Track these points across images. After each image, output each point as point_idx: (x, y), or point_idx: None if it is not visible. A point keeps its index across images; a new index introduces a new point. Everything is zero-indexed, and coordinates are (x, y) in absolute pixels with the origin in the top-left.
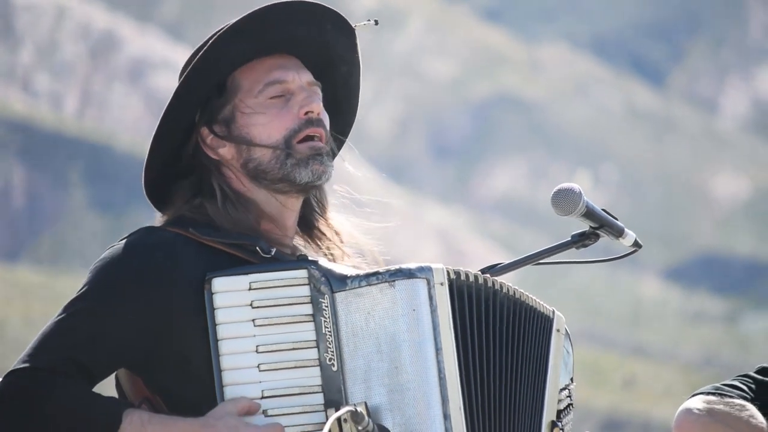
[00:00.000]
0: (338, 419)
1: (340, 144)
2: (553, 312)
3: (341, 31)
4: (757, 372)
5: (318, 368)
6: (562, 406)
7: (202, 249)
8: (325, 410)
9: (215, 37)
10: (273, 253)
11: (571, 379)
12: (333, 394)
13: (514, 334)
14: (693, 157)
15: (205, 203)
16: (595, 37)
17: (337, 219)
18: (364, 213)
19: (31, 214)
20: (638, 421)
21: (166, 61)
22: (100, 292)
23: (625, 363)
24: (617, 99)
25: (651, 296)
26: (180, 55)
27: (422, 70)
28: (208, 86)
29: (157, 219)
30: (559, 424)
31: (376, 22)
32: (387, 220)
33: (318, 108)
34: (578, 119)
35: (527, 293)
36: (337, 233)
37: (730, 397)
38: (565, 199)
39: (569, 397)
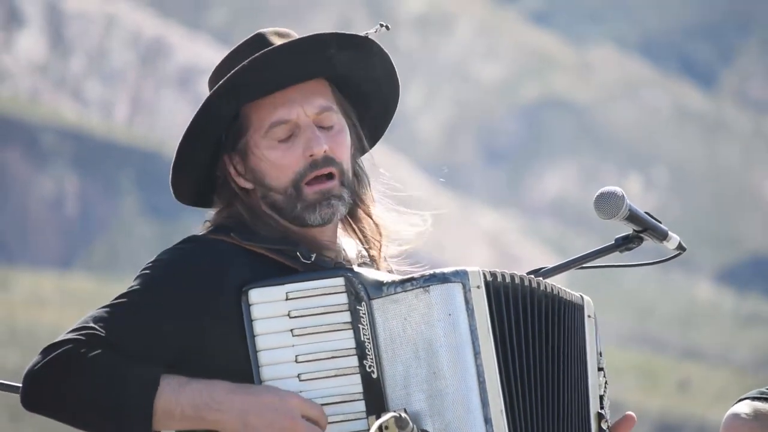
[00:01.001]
0: (380, 426)
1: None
2: (582, 297)
3: (349, 48)
4: None
5: (359, 376)
6: (602, 391)
7: (244, 254)
8: (367, 417)
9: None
10: (313, 259)
11: (600, 353)
12: (374, 401)
13: (553, 330)
14: (743, 158)
15: (249, 216)
16: (644, 39)
17: (379, 212)
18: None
19: (83, 222)
20: (692, 424)
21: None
22: (146, 290)
23: (678, 366)
24: (667, 101)
25: (704, 298)
26: None
27: (471, 74)
28: (220, 118)
29: (200, 228)
30: (603, 411)
31: (387, 27)
32: (438, 225)
33: (321, 149)
34: (628, 121)
35: (559, 286)
36: (377, 226)
37: None
38: (608, 203)
39: (604, 376)
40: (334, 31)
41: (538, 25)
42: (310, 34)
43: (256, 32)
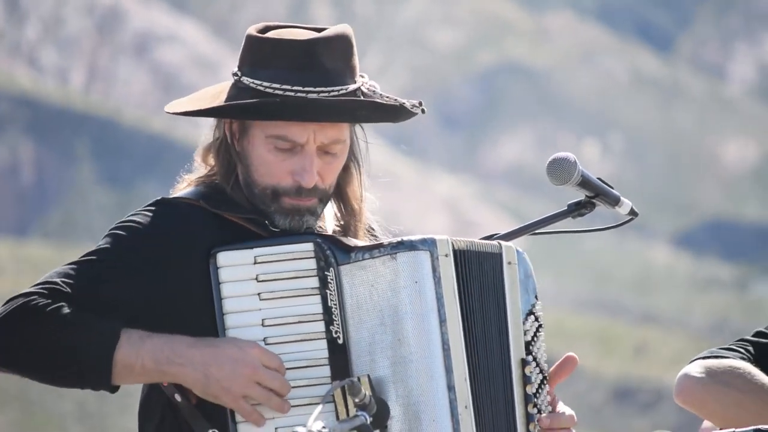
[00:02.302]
0: (331, 394)
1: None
2: (500, 245)
3: (381, 112)
4: (755, 335)
5: (324, 341)
6: (529, 337)
7: (213, 220)
8: (332, 383)
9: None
10: (282, 227)
11: (536, 297)
12: (339, 366)
13: (487, 288)
14: (700, 123)
15: (223, 183)
16: (601, 5)
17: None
18: (373, 184)
19: (39, 190)
20: (649, 388)
21: (172, 34)
22: (111, 251)
23: (635, 330)
24: (623, 66)
25: (660, 263)
26: (185, 29)
27: (428, 40)
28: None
29: (174, 189)
30: (529, 358)
31: (423, 111)
32: (395, 190)
33: (312, 182)
34: (585, 87)
35: (482, 241)
36: (357, 210)
37: (726, 358)
38: (560, 169)
39: (537, 320)
40: (373, 100)
41: None
42: (346, 98)
43: (305, 36)
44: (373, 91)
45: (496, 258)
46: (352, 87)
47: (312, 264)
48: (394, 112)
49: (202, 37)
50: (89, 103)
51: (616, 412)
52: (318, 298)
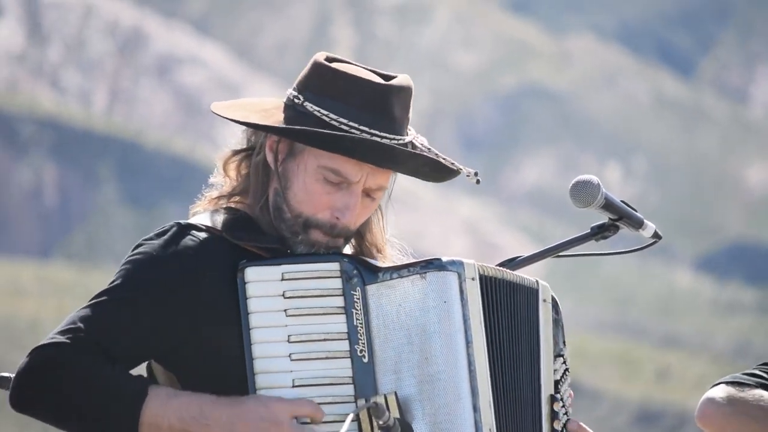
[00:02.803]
0: (356, 415)
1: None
2: (537, 282)
3: (439, 171)
4: None
5: (349, 360)
6: (558, 376)
7: (232, 249)
8: (356, 401)
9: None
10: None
11: (564, 343)
12: (364, 385)
13: (519, 320)
14: (722, 146)
15: (251, 202)
16: (623, 28)
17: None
18: (395, 207)
19: (62, 211)
20: (672, 412)
21: (193, 56)
22: (131, 285)
23: (657, 354)
24: (645, 89)
25: (683, 286)
26: (206, 50)
27: (450, 62)
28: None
29: (191, 211)
30: (558, 396)
31: (478, 182)
32: (417, 212)
33: (351, 222)
34: (607, 110)
35: (517, 273)
36: (378, 250)
37: (750, 386)
38: (583, 192)
39: (564, 363)
40: (437, 159)
41: (516, 13)
42: (417, 153)
43: (385, 82)
44: (428, 147)
45: (531, 293)
46: (408, 139)
47: (338, 283)
48: (449, 173)
49: (224, 59)
50: (112, 124)
51: None
52: (343, 317)
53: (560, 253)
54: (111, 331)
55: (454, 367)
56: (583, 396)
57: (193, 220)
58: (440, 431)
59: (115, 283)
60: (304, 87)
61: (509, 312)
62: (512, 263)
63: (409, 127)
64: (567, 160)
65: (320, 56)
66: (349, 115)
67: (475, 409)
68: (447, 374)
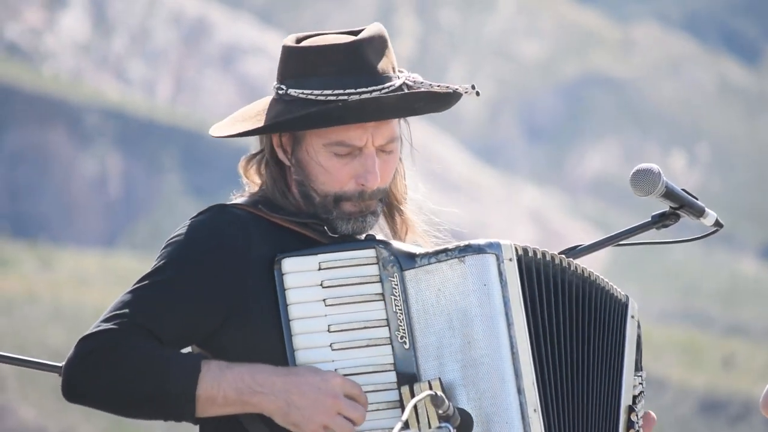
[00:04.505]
0: (416, 405)
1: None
2: (627, 297)
3: (436, 101)
4: None
5: (389, 347)
6: (636, 392)
7: (271, 228)
8: (398, 388)
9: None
10: (340, 233)
11: (642, 367)
12: (405, 371)
13: (584, 313)
14: None
15: (276, 191)
16: (687, 15)
17: (413, 208)
18: (457, 195)
19: (126, 201)
20: (737, 401)
21: (257, 46)
22: (173, 266)
23: (722, 342)
24: (710, 77)
25: (748, 274)
26: (270, 41)
27: (514, 51)
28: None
29: (232, 197)
30: (635, 408)
31: (478, 93)
32: (480, 202)
33: (375, 183)
34: (671, 98)
35: (599, 275)
36: (407, 227)
37: None
38: (644, 180)
39: (642, 383)
40: (429, 90)
41: (580, 2)
42: (405, 92)
43: (352, 39)
44: (421, 82)
45: (618, 303)
46: (398, 82)
47: (375, 270)
48: (448, 99)
49: None
50: (176, 114)
51: (704, 424)
52: (382, 304)
53: (621, 242)
54: (155, 313)
55: (497, 350)
56: (648, 385)
57: (230, 203)
58: (485, 416)
59: (157, 265)
60: (283, 76)
61: (562, 296)
62: (574, 251)
63: (400, 69)
64: (630, 149)
65: (288, 40)
66: (331, 85)
67: (519, 391)
68: (490, 358)
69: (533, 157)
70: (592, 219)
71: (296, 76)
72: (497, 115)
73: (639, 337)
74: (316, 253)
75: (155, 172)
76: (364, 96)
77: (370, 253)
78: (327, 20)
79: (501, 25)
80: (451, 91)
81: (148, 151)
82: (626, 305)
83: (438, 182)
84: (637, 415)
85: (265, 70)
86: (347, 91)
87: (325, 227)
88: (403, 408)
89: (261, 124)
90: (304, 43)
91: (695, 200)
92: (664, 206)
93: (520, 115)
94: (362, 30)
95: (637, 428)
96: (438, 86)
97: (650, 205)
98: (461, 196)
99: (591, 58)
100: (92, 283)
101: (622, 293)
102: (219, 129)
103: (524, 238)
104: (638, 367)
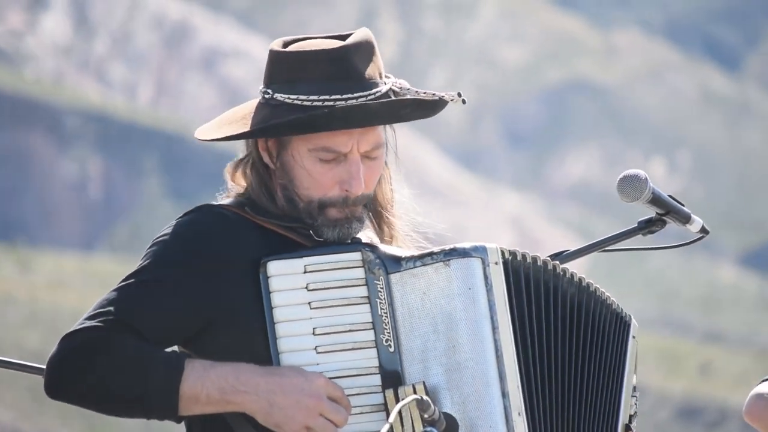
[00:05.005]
0: (401, 410)
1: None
2: (630, 317)
3: (423, 109)
4: None
5: (375, 350)
6: (632, 411)
7: (257, 230)
8: (383, 391)
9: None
10: (325, 237)
11: (635, 388)
12: (390, 374)
13: (579, 321)
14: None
15: (262, 195)
16: (669, 22)
17: (399, 213)
18: (438, 201)
19: (106, 204)
20: (714, 407)
21: (239, 50)
22: (158, 265)
23: (700, 349)
24: (692, 84)
25: (727, 282)
26: (252, 44)
27: (495, 57)
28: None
29: (217, 198)
30: (632, 426)
31: (464, 101)
32: (461, 207)
33: (360, 189)
34: (653, 105)
35: (599, 287)
36: (383, 208)
37: None
38: (631, 186)
39: (636, 404)
40: (415, 97)
41: (562, 8)
42: (392, 98)
43: (340, 44)
44: (407, 88)
45: (621, 321)
46: (385, 89)
47: (360, 273)
48: (435, 106)
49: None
50: (157, 118)
51: (681, 430)
52: (367, 307)
53: (607, 248)
54: (140, 312)
55: (481, 354)
56: None
57: (217, 203)
58: (469, 420)
59: (143, 264)
60: (270, 80)
61: (554, 301)
62: (559, 257)
63: (386, 75)
64: (612, 155)
65: (275, 44)
66: (317, 91)
67: (504, 394)
68: (474, 361)
69: (514, 162)
70: (572, 225)
71: (283, 81)
72: (479, 120)
73: (636, 358)
74: (302, 256)
75: (135, 175)
76: (350, 102)
77: (356, 256)
78: (309, 24)
79: (483, 31)
80: (437, 98)
81: (129, 154)
82: (629, 324)
83: (418, 187)
84: None
85: (247, 73)
86: (333, 97)
87: (311, 232)
88: (387, 411)
89: (247, 128)
90: (291, 48)
91: (682, 206)
92: (647, 212)
93: (502, 121)
94: (350, 35)
95: None
96: (425, 93)
97: (631, 213)
98: (442, 202)
99: (573, 65)
100: (70, 285)
101: (626, 312)
102: (204, 132)
103: (504, 244)
104: (634, 388)
